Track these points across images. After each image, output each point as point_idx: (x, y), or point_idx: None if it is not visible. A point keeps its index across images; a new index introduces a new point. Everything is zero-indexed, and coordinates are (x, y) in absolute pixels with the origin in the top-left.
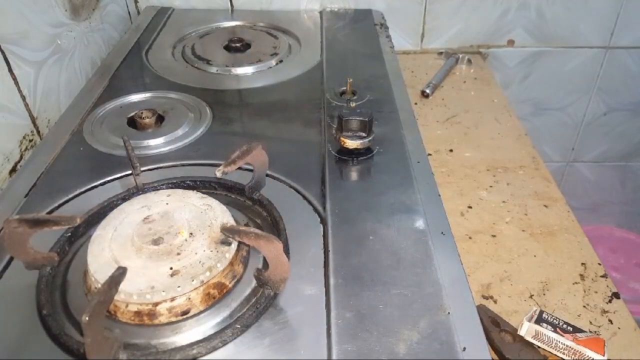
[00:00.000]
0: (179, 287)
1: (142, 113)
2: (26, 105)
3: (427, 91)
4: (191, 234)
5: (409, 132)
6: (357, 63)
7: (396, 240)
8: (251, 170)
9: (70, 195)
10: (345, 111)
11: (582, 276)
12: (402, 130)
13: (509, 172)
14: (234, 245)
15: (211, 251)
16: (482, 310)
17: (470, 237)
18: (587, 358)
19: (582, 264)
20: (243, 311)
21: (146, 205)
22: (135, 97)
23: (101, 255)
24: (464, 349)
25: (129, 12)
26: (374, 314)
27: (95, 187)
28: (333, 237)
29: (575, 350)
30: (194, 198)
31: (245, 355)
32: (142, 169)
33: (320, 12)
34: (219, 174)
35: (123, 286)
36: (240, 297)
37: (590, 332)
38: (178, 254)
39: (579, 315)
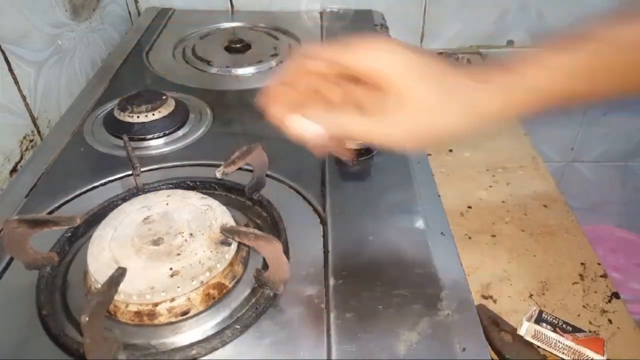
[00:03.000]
0: (178, 287)
1: None
2: (27, 105)
3: None
4: (191, 234)
5: None
6: None
7: (396, 240)
8: (251, 171)
9: (71, 196)
10: None
11: (581, 276)
12: None
13: (508, 172)
14: (234, 246)
15: (211, 252)
16: (482, 310)
17: (470, 237)
18: (586, 358)
19: (582, 263)
20: (243, 311)
21: (146, 206)
22: None
23: (101, 255)
24: (464, 349)
25: (129, 13)
26: (374, 315)
27: (96, 187)
28: (333, 237)
29: (574, 350)
30: (194, 198)
31: (245, 356)
32: (142, 169)
33: (321, 13)
34: (219, 175)
35: (123, 286)
36: (240, 297)
37: (590, 332)
38: (178, 254)
39: (578, 315)
